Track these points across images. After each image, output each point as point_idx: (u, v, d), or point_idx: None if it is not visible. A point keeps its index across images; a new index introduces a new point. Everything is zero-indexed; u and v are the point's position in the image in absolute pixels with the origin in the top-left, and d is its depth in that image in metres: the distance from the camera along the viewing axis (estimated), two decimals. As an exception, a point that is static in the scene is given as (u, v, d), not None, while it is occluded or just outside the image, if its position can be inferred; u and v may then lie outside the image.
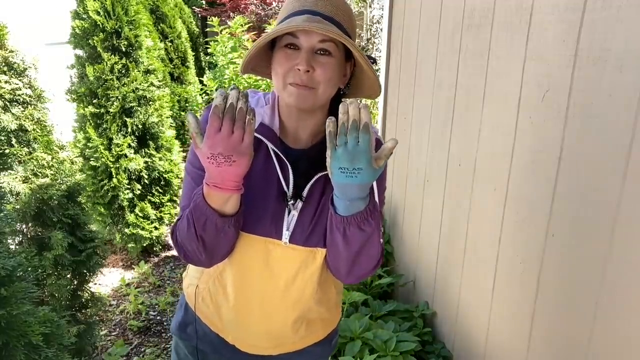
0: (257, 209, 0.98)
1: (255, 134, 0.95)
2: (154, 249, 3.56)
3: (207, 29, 4.81)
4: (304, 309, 1.09)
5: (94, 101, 3.06)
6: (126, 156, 3.13)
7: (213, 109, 0.79)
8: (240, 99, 0.80)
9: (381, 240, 0.97)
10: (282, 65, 0.90)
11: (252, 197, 0.98)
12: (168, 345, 2.59)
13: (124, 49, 3.05)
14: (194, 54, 5.74)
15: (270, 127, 0.98)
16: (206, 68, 6.71)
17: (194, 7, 7.52)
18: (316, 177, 0.97)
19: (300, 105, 0.92)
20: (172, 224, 1.00)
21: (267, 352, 1.15)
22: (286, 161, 0.96)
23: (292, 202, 0.98)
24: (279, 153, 0.96)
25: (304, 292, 1.05)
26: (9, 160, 1.73)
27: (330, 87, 0.92)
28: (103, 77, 3.01)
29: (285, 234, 0.99)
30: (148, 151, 3.28)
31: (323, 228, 0.99)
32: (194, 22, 6.77)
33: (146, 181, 3.27)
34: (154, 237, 3.38)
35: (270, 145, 0.96)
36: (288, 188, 0.98)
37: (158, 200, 3.38)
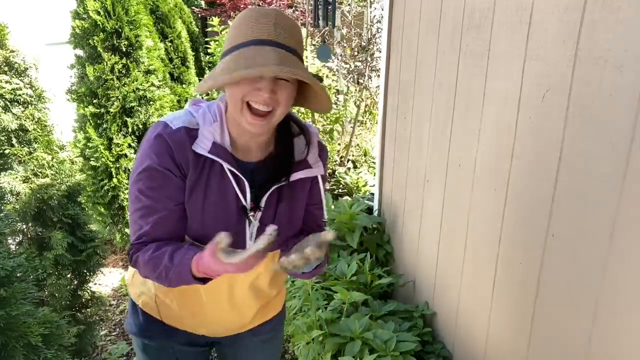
0: (219, 224, 1.03)
1: (209, 155, 1.00)
2: (154, 249, 3.56)
3: (207, 29, 4.80)
4: (264, 296, 1.25)
5: (94, 101, 3.06)
6: (126, 156, 3.13)
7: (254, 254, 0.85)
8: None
9: None
10: (242, 87, 0.93)
11: (213, 215, 1.03)
12: (168, 345, 2.59)
13: (124, 49, 3.05)
14: (194, 54, 5.71)
15: (222, 145, 1.02)
16: (206, 68, 6.68)
17: (193, 8, 7.50)
18: (272, 188, 1.05)
19: (258, 132, 0.98)
20: (131, 250, 1.04)
21: (236, 332, 1.28)
22: (242, 177, 1.02)
23: (252, 214, 1.05)
24: (235, 171, 1.01)
25: (264, 285, 1.22)
26: (9, 160, 1.73)
27: (286, 107, 0.98)
28: (103, 77, 3.01)
29: (249, 244, 1.06)
30: (148, 151, 3.27)
31: (281, 233, 1.05)
32: (194, 22, 6.75)
33: (146, 181, 3.27)
34: (154, 237, 3.38)
35: (226, 166, 1.01)
36: (246, 201, 1.04)
37: (158, 200, 3.37)
